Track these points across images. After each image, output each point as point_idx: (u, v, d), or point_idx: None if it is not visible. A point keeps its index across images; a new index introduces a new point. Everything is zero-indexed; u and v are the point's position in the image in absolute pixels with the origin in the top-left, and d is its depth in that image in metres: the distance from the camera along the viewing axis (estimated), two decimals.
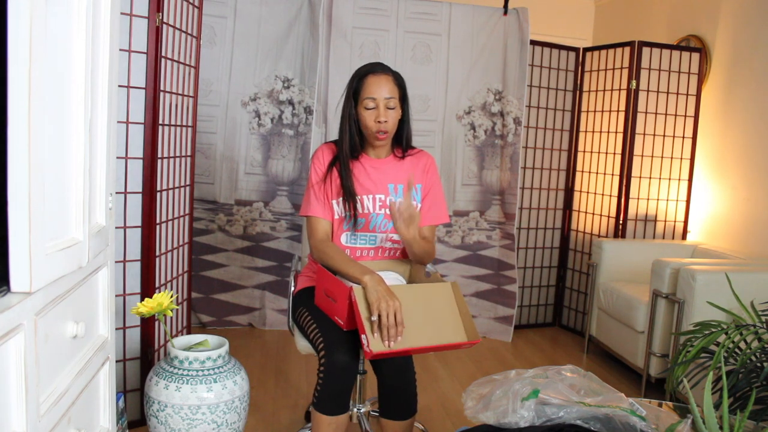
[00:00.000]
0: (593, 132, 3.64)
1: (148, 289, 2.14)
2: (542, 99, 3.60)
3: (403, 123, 1.89)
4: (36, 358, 0.95)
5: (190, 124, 2.42)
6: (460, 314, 1.73)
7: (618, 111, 3.47)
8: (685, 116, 3.46)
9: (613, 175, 3.50)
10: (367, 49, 3.30)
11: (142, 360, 2.18)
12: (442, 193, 1.98)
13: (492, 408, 1.24)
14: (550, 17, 4.35)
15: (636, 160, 3.42)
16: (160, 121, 2.14)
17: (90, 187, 1.18)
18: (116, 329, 1.95)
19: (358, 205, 1.86)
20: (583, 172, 3.71)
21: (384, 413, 1.78)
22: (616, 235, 3.47)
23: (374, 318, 1.59)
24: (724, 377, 1.16)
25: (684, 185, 3.50)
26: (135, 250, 2.12)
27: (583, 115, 3.70)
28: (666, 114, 3.44)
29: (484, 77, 3.46)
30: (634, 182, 3.44)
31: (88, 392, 1.25)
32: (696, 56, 3.43)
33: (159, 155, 2.14)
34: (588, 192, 3.67)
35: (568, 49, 3.64)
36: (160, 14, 2.06)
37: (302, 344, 1.93)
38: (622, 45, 3.44)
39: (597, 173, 3.61)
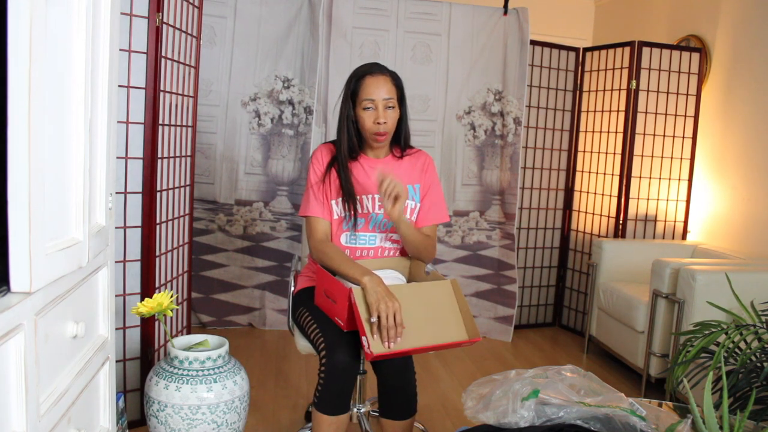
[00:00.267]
0: (593, 132, 3.64)
1: (148, 289, 2.14)
2: (542, 99, 3.60)
3: (402, 123, 1.89)
4: (36, 358, 0.95)
5: (190, 124, 2.42)
6: (460, 312, 1.73)
7: (618, 111, 3.47)
8: (685, 116, 3.46)
9: (613, 175, 3.50)
10: (367, 49, 3.30)
11: (142, 360, 2.18)
12: (441, 193, 1.98)
13: (492, 408, 1.24)
14: (550, 17, 4.35)
15: (636, 160, 3.42)
16: (160, 121, 2.14)
17: (90, 187, 1.18)
18: (116, 329, 1.95)
19: (358, 206, 1.86)
20: (583, 172, 3.71)
21: (384, 413, 1.78)
22: (616, 235, 3.47)
23: (374, 319, 1.59)
24: (724, 377, 1.16)
25: (684, 185, 3.50)
26: (135, 250, 2.12)
27: (583, 115, 3.70)
28: (666, 114, 3.44)
29: (484, 77, 3.46)
30: (634, 182, 3.44)
31: (88, 392, 1.25)
32: (696, 56, 3.43)
33: (159, 155, 2.14)
34: (588, 192, 3.67)
35: (568, 49, 3.64)
36: (160, 14, 2.06)
37: (302, 344, 1.93)
38: (622, 45, 3.44)
39: (597, 173, 3.61)
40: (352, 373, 1.66)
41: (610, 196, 3.51)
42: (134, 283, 2.13)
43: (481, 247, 3.57)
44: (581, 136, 3.72)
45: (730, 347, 1.64)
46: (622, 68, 3.43)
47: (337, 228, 1.89)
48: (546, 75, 3.59)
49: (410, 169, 1.94)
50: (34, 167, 0.90)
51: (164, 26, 2.10)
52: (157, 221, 2.17)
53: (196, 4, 2.39)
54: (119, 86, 1.97)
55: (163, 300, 1.86)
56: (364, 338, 1.59)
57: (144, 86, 2.06)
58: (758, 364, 1.62)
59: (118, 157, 1.99)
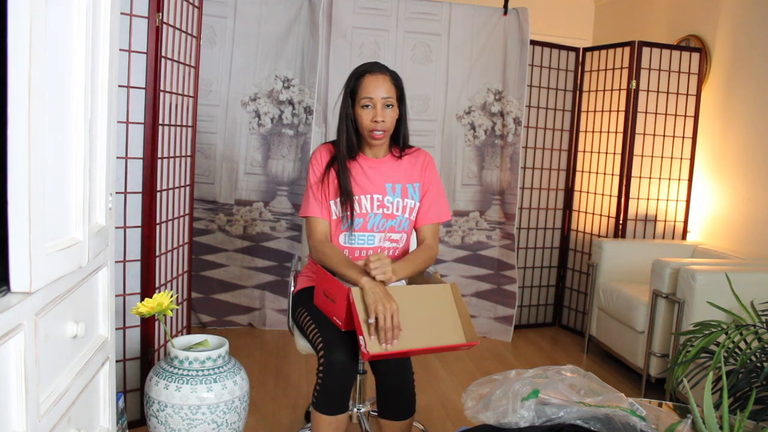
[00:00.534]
0: (593, 132, 3.64)
1: (148, 289, 2.14)
2: (542, 99, 3.60)
3: (401, 122, 1.89)
4: (36, 358, 0.95)
5: (190, 124, 2.42)
6: (459, 316, 1.73)
7: (618, 111, 3.47)
8: (685, 116, 3.46)
9: (613, 175, 3.50)
10: (367, 49, 3.30)
11: (142, 360, 2.18)
12: (442, 191, 1.98)
13: (492, 408, 1.24)
14: (550, 17, 4.36)
15: (636, 160, 3.42)
16: (160, 121, 2.14)
17: (90, 187, 1.18)
18: (116, 329, 1.95)
19: (356, 205, 1.86)
20: (583, 172, 3.71)
21: (383, 413, 1.78)
22: (616, 235, 3.47)
23: (371, 320, 1.59)
24: (724, 377, 1.16)
25: (684, 185, 3.50)
26: (135, 250, 2.12)
27: (583, 115, 3.70)
28: (666, 114, 3.44)
29: (484, 77, 3.46)
30: (634, 182, 3.44)
31: (88, 392, 1.25)
32: (696, 56, 3.43)
33: (159, 155, 2.14)
34: (588, 192, 3.67)
35: (568, 49, 3.64)
36: (160, 14, 2.06)
37: (302, 344, 1.93)
38: (622, 45, 3.44)
39: (597, 173, 3.61)
40: (350, 373, 1.66)
41: (610, 196, 3.51)
42: (134, 283, 2.13)
43: (481, 247, 3.57)
44: (581, 136, 3.72)
45: (730, 347, 1.64)
46: (622, 68, 3.43)
47: (335, 228, 1.89)
48: (546, 75, 3.59)
49: (410, 169, 1.94)
50: (34, 167, 0.90)
51: (164, 26, 2.10)
52: (157, 221, 2.17)
53: (196, 4, 2.39)
54: (119, 86, 1.97)
55: (163, 300, 1.86)
56: (361, 338, 1.59)
57: (144, 86, 2.06)
58: (758, 364, 1.62)
59: (118, 157, 1.99)
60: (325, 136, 3.26)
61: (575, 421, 1.17)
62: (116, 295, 1.97)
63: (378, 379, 1.75)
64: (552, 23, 4.37)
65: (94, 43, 1.17)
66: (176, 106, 2.28)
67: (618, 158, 3.47)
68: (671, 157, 3.47)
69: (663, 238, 3.51)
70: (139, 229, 2.12)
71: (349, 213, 1.84)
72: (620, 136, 3.45)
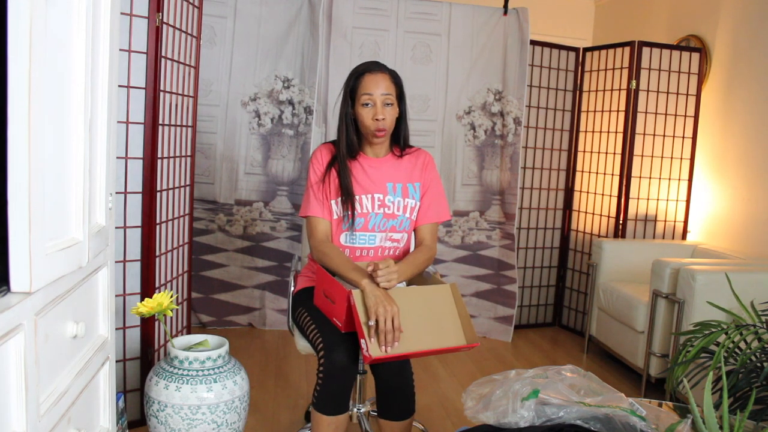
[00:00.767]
0: (593, 132, 3.64)
1: (148, 289, 2.14)
2: (542, 99, 3.60)
3: (401, 121, 1.89)
4: (36, 358, 0.95)
5: (190, 124, 2.42)
6: (459, 317, 1.72)
7: (618, 111, 3.47)
8: (685, 116, 3.46)
9: (613, 175, 3.50)
10: (367, 49, 3.30)
11: (142, 360, 2.18)
12: (442, 190, 1.98)
13: (492, 408, 1.24)
14: (550, 17, 4.36)
15: (636, 160, 3.42)
16: (160, 121, 2.14)
17: (90, 187, 1.18)
18: (116, 329, 1.95)
19: (357, 205, 1.86)
20: (583, 172, 3.71)
21: (382, 413, 1.78)
22: (616, 235, 3.47)
23: (372, 323, 1.59)
24: (724, 377, 1.16)
25: (684, 185, 3.50)
26: (135, 250, 2.12)
27: (583, 115, 3.70)
28: (666, 114, 3.44)
29: (484, 77, 3.46)
30: (634, 182, 3.44)
31: (88, 392, 1.25)
32: (696, 56, 3.43)
33: (159, 155, 2.14)
34: (588, 192, 3.67)
35: (568, 49, 3.64)
36: (160, 14, 2.06)
37: (302, 344, 1.93)
38: (622, 45, 3.44)
39: (597, 173, 3.61)
40: (350, 373, 1.66)
41: (610, 196, 3.51)
42: (134, 283, 2.13)
43: (481, 247, 3.57)
44: (581, 136, 3.72)
45: (730, 347, 1.64)
46: (622, 68, 3.43)
47: (336, 228, 1.89)
48: (546, 75, 3.60)
49: (410, 168, 1.94)
50: (34, 167, 0.90)
51: (164, 26, 2.10)
52: (157, 221, 2.17)
53: (196, 4, 2.39)
54: (119, 86, 1.97)
55: (163, 300, 1.86)
56: (362, 341, 1.59)
57: (144, 86, 2.06)
58: (758, 364, 1.62)
59: (118, 157, 1.99)
60: (325, 136, 3.26)
61: (575, 421, 1.17)
62: (116, 295, 1.97)
63: (378, 380, 1.75)
64: (552, 23, 4.37)
65: (94, 43, 1.17)
66: (176, 106, 2.28)
67: (618, 158, 3.47)
68: (671, 157, 3.47)
69: (663, 238, 3.51)
70: (139, 229, 2.12)
71: (350, 212, 1.84)
72: (620, 136, 3.45)
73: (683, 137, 3.47)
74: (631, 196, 3.44)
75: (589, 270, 3.34)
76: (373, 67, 1.82)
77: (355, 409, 2.11)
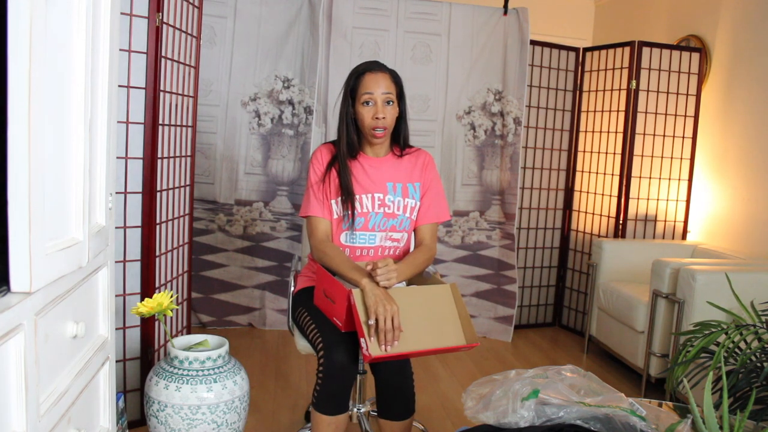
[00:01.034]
0: (593, 132, 3.64)
1: (148, 289, 2.14)
2: (542, 99, 3.60)
3: (401, 121, 1.89)
4: (36, 358, 0.95)
5: (190, 124, 2.42)
6: (459, 317, 1.72)
7: (618, 111, 3.47)
8: (685, 116, 3.46)
9: (613, 175, 3.50)
10: (367, 49, 3.30)
11: (142, 360, 2.18)
12: (442, 191, 1.98)
13: (492, 408, 1.24)
14: (550, 17, 4.36)
15: (636, 160, 3.42)
16: (160, 121, 2.14)
17: (90, 187, 1.18)
18: (116, 329, 1.95)
19: (357, 204, 1.86)
20: (583, 172, 3.71)
21: (382, 413, 1.78)
22: (616, 235, 3.47)
23: (371, 322, 1.59)
24: (724, 377, 1.16)
25: (684, 185, 3.50)
26: (135, 250, 2.12)
27: (583, 115, 3.70)
28: (666, 114, 3.44)
29: (484, 77, 3.46)
30: (634, 182, 3.44)
31: (88, 392, 1.25)
32: (696, 56, 3.43)
33: (159, 155, 2.14)
34: (588, 192, 3.67)
35: (568, 49, 3.64)
36: (160, 14, 2.06)
37: (302, 344, 1.93)
38: (622, 45, 3.44)
39: (597, 173, 3.61)
40: (350, 373, 1.66)
41: (610, 196, 3.51)
42: (134, 283, 2.13)
43: (481, 247, 3.57)
44: (581, 136, 3.72)
45: (730, 347, 1.64)
46: (622, 68, 3.43)
47: (336, 227, 1.89)
48: (546, 75, 3.60)
49: (410, 168, 1.94)
50: (34, 167, 0.90)
51: (164, 26, 2.10)
52: (157, 221, 2.17)
53: (196, 4, 2.39)
54: (119, 86, 1.97)
55: (163, 300, 1.86)
56: (362, 340, 1.59)
57: (144, 86, 2.06)
58: (758, 364, 1.62)
59: (118, 157, 1.99)
60: (325, 136, 3.26)
61: (575, 421, 1.17)
62: (116, 295, 1.97)
63: (378, 380, 1.75)
64: (552, 23, 4.37)
65: (94, 43, 1.17)
66: (176, 106, 2.28)
67: (618, 158, 3.47)
68: (671, 157, 3.47)
69: (663, 238, 3.51)
70: (139, 229, 2.12)
71: (350, 212, 1.84)
72: (620, 136, 3.45)
73: (683, 137, 3.47)
74: (631, 196, 3.44)
75: (589, 270, 3.34)
76: (373, 66, 1.82)
77: (355, 409, 2.11)
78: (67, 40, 1.07)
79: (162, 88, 2.13)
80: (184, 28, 2.28)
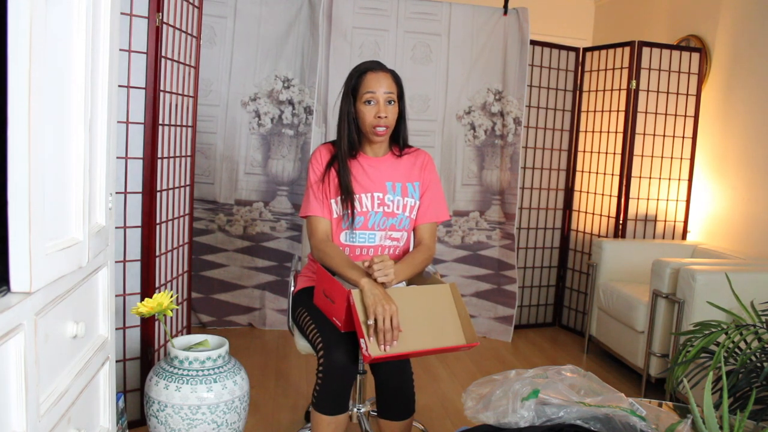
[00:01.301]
0: (593, 132, 3.64)
1: (148, 289, 2.14)
2: (542, 99, 3.60)
3: (400, 121, 1.90)
4: (36, 358, 0.95)
5: (190, 124, 2.42)
6: (458, 316, 1.72)
7: (618, 111, 3.47)
8: (685, 116, 3.46)
9: (613, 175, 3.50)
10: (367, 49, 3.30)
11: (142, 360, 2.18)
12: (441, 191, 1.98)
13: (492, 408, 1.24)
14: (550, 17, 4.35)
15: (636, 160, 3.42)
16: (160, 121, 2.14)
17: (90, 187, 1.18)
18: (116, 329, 1.95)
19: (356, 204, 1.86)
20: (583, 172, 3.71)
21: (382, 413, 1.78)
22: (616, 235, 3.47)
23: (371, 322, 1.59)
24: (724, 377, 1.16)
25: (684, 185, 3.50)
26: (135, 250, 2.12)
27: (583, 115, 3.70)
28: (666, 114, 3.44)
29: (484, 77, 3.46)
30: (634, 182, 3.44)
31: (88, 392, 1.25)
32: (696, 56, 3.43)
33: (159, 155, 2.14)
34: (588, 192, 3.67)
35: (568, 49, 3.64)
36: (160, 14, 2.06)
37: (302, 344, 1.93)
38: (622, 45, 3.44)
39: (597, 173, 3.61)
40: (350, 373, 1.66)
41: (610, 196, 3.51)
42: (134, 283, 2.13)
43: (481, 247, 3.57)
44: (581, 136, 3.72)
45: (730, 347, 1.64)
46: (622, 68, 3.43)
47: (336, 226, 1.89)
48: (546, 75, 3.59)
49: (409, 168, 1.94)
50: (34, 167, 0.90)
51: (164, 26, 2.10)
52: (157, 221, 2.17)
53: (196, 4, 2.39)
54: (119, 86, 1.97)
55: (163, 300, 1.86)
56: (362, 341, 1.59)
57: (144, 86, 2.06)
58: (758, 364, 1.62)
59: (118, 157, 1.99)
60: (325, 136, 3.26)
61: (575, 421, 1.17)
62: (116, 295, 1.97)
63: (378, 380, 1.75)
64: (552, 23, 4.37)
65: (94, 43, 1.17)
66: (176, 106, 2.28)
67: (618, 158, 3.47)
68: (671, 157, 3.47)
69: (663, 238, 3.51)
70: (139, 229, 2.12)
71: (349, 211, 1.85)
72: (620, 136, 3.45)
73: (683, 137, 3.47)
74: (631, 196, 3.44)
75: (589, 270, 3.34)
76: (374, 66, 1.83)
77: (355, 409, 2.11)
78: (67, 40, 1.07)
79: (162, 88, 2.13)
80: (184, 28, 2.28)
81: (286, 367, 2.91)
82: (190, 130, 2.43)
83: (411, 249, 2.03)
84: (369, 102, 1.79)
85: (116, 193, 1.94)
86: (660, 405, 1.46)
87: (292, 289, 2.06)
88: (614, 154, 3.49)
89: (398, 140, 1.93)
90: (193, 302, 3.31)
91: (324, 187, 1.88)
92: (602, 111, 3.58)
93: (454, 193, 3.51)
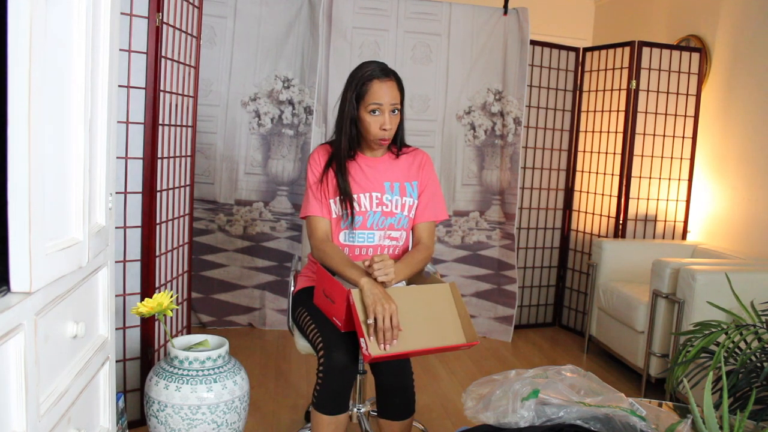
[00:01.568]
0: (593, 132, 3.64)
1: (148, 289, 2.14)
2: (542, 99, 3.60)
3: (400, 123, 1.89)
4: (36, 358, 0.95)
5: (190, 124, 2.42)
6: (458, 316, 1.73)
7: (618, 111, 3.47)
8: (685, 116, 3.46)
9: (613, 175, 3.50)
10: (367, 49, 3.30)
11: (142, 360, 2.18)
12: (440, 190, 1.98)
13: (492, 408, 1.24)
14: (550, 17, 4.36)
15: (636, 160, 3.42)
16: (160, 121, 2.14)
17: (90, 187, 1.18)
18: (116, 329, 1.95)
19: (355, 204, 1.86)
20: (583, 172, 3.71)
21: (382, 413, 1.78)
22: (616, 235, 3.47)
23: (370, 321, 1.59)
24: (724, 377, 1.16)
25: (684, 185, 3.50)
26: (135, 250, 2.12)
27: (583, 115, 3.70)
28: (666, 114, 3.44)
29: (484, 77, 3.46)
30: (634, 182, 3.44)
31: (88, 392, 1.25)
32: (696, 56, 3.43)
33: (159, 155, 2.14)
34: (588, 192, 3.67)
35: (568, 49, 3.64)
36: (160, 14, 2.06)
37: (302, 344, 1.93)
38: (622, 45, 3.44)
39: (597, 173, 3.61)
40: (350, 373, 1.66)
41: (610, 196, 3.51)
42: (134, 283, 2.13)
43: (481, 247, 3.57)
44: (581, 136, 3.72)
45: (730, 347, 1.64)
46: (622, 68, 3.43)
47: (335, 226, 1.89)
48: (546, 75, 3.60)
49: (407, 167, 1.94)
50: (34, 167, 0.90)
51: (164, 26, 2.10)
52: (157, 221, 2.17)
53: (196, 4, 2.39)
54: (119, 86, 1.97)
55: (163, 300, 1.86)
56: (362, 340, 1.59)
57: (144, 86, 2.06)
58: (758, 364, 1.62)
59: (118, 157, 1.99)
60: (325, 136, 3.26)
61: (575, 421, 1.17)
62: (116, 295, 1.97)
63: (378, 380, 1.75)
64: (552, 23, 4.37)
65: (94, 43, 1.17)
66: (176, 106, 2.28)
67: (618, 158, 3.47)
68: (671, 157, 3.47)
69: (663, 238, 3.51)
70: (139, 229, 2.12)
71: (348, 211, 1.85)
72: (620, 136, 3.45)
73: (683, 137, 3.47)
74: (631, 196, 3.44)
75: (589, 270, 3.34)
76: (380, 73, 1.79)
77: (355, 409, 2.11)
78: (67, 40, 1.07)
79: (162, 88, 2.13)
80: (184, 28, 2.28)
81: (286, 367, 2.91)
82: (190, 130, 2.43)
83: (410, 248, 2.03)
84: (374, 112, 1.79)
85: (116, 193, 1.94)
86: (660, 405, 1.46)
87: (292, 289, 2.06)
88: (614, 154, 3.49)
89: (396, 140, 1.93)
90: (193, 302, 3.31)
91: (323, 188, 1.88)
92: (602, 111, 3.58)
93: (454, 193, 3.51)
